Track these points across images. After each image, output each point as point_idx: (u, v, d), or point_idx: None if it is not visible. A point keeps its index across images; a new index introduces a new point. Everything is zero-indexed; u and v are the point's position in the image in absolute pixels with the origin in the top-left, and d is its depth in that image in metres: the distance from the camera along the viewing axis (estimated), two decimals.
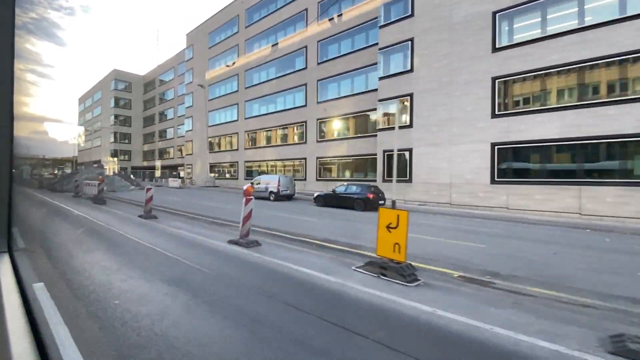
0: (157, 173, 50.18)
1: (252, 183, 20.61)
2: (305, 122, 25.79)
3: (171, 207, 13.90)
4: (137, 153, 57.58)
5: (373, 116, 21.36)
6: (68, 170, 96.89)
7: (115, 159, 53.94)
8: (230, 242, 6.83)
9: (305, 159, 25.78)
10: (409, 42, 17.50)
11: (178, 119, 47.23)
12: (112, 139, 55.38)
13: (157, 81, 53.32)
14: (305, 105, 25.91)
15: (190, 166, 40.62)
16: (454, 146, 15.74)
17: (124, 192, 24.33)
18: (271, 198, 19.12)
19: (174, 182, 32.45)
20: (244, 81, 32.08)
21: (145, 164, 56.39)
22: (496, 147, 14.53)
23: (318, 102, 24.85)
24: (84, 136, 72.03)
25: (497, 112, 14.57)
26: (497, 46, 14.68)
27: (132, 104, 56.94)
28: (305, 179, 25.47)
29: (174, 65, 48.73)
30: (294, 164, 26.99)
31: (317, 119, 24.87)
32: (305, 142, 25.81)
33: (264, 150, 29.77)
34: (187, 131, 41.37)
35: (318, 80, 24.91)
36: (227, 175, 34.47)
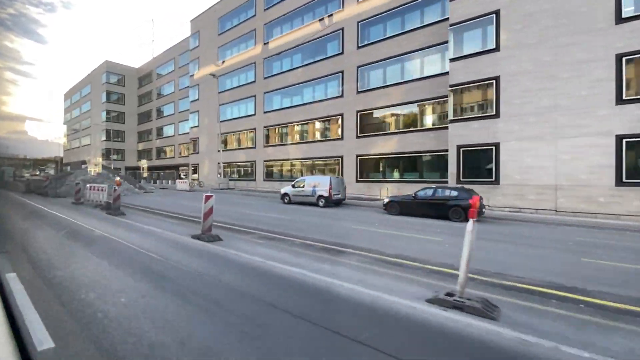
0: (144, 174, 46.06)
1: (294, 185, 17.29)
2: (342, 115, 22.56)
3: (223, 221, 10.47)
4: (131, 152, 52.98)
5: (429, 108, 18.37)
6: (51, 171, 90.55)
7: (99, 159, 49.28)
8: (442, 303, 3.54)
9: (341, 157, 22.54)
10: (493, 15, 14.53)
11: (180, 114, 43.14)
12: (103, 137, 50.62)
13: (154, 74, 48.97)
14: (341, 96, 22.67)
15: (195, 166, 36.71)
16: (560, 140, 12.84)
17: (132, 197, 20.51)
18: (320, 204, 15.85)
19: (182, 184, 28.64)
20: (263, 70, 28.58)
21: (141, 163, 51.83)
22: (624, 140, 11.70)
23: (358, 92, 21.67)
24: (67, 135, 66.59)
25: (624, 97, 11.75)
26: (622, 16, 11.86)
27: (125, 99, 52.31)
28: None
29: (174, 56, 44.59)
30: (327, 163, 23.71)
31: (357, 111, 21.69)
32: (342, 138, 22.58)
33: (287, 147, 26.36)
34: (191, 128, 37.44)
35: (358, 67, 21.72)
36: (242, 176, 30.86)
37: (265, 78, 28.42)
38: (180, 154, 43.64)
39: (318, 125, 24.55)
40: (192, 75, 37.26)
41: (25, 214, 11.92)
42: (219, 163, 33.10)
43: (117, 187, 12.16)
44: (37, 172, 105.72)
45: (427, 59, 18.75)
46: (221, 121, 32.72)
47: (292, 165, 26.22)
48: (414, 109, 19.21)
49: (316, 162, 24.46)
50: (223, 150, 30.42)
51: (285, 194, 17.56)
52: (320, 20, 23.95)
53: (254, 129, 29.42)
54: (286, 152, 26.48)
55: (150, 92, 50.21)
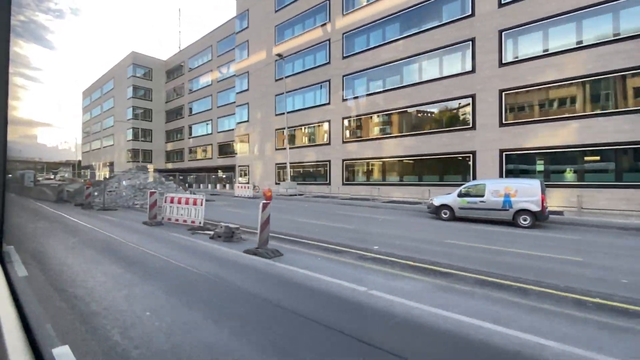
0: (187, 177, 40.81)
1: (461, 193, 11.67)
2: (473, 96, 16.91)
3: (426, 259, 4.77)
4: (158, 153, 47.96)
5: None
6: (65, 174, 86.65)
7: (126, 161, 44.26)
8: None
9: (472, 153, 16.87)
10: None
11: (220, 109, 37.88)
12: (129, 137, 45.67)
13: (186, 66, 43.92)
14: (472, 71, 17.03)
15: (244, 168, 31.30)
16: None
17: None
18: (523, 223, 10.17)
19: (243, 190, 23.23)
20: (342, 49, 23.07)
21: (169, 166, 46.77)
22: None
23: (503, 64, 16.00)
24: (86, 136, 62.07)
25: None
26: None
27: (152, 95, 47.39)
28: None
29: (210, 44, 39.45)
30: (447, 160, 18.03)
31: (501, 90, 16.00)
32: (474, 128, 16.91)
33: (379, 143, 20.77)
34: (239, 123, 32.08)
35: (501, 31, 16.06)
36: (309, 179, 25.32)
37: (345, 58, 22.89)
38: (221, 154, 38.37)
39: (432, 110, 18.90)
40: (239, 62, 31.95)
41: (102, 259, 6.48)
42: (276, 164, 27.64)
43: (265, 203, 6.57)
44: (52, 176, 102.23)
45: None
46: (278, 114, 27.31)
47: (386, 165, 20.58)
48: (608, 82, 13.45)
49: (428, 160, 18.81)
50: (287, 148, 24.89)
51: (444, 206, 11.91)
52: None
53: (328, 121, 23.88)
54: (378, 149, 20.86)
55: (181, 87, 45.17)
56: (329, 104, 23.88)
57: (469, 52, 17.21)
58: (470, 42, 17.12)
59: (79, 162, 75.68)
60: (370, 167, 21.66)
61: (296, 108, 26.12)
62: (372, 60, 21.31)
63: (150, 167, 34.37)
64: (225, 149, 37.35)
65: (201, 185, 37.05)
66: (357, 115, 22.15)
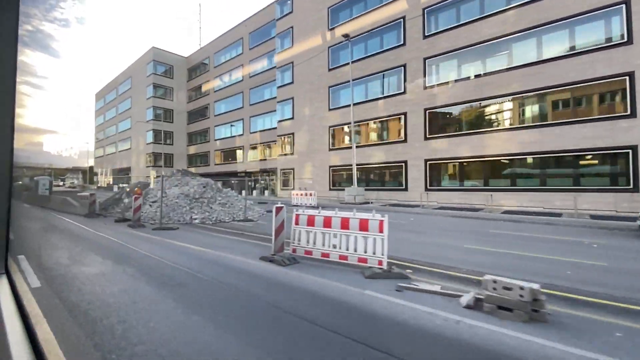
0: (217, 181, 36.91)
1: None
2: (632, 74, 12.90)
3: None
4: (179, 157, 44.27)
5: None
6: (75, 181, 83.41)
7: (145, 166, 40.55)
8: None
9: (633, 148, 12.81)
10: None
11: (253, 107, 34.10)
12: (150, 139, 42.04)
13: (212, 61, 40.36)
14: (628, 42, 13.04)
15: (289, 171, 27.36)
16: None
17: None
18: None
19: (302, 198, 19.24)
20: (423, 27, 19.22)
21: (192, 171, 42.91)
22: None
23: None
24: (98, 140, 58.68)
25: None
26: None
27: (173, 94, 43.87)
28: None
29: (241, 35, 35.87)
30: (598, 157, 13.97)
31: None
32: (633, 115, 12.87)
33: (481, 138, 16.77)
34: (280, 122, 28.24)
35: None
36: (375, 183, 21.31)
37: (427, 37, 19.02)
38: (254, 156, 34.54)
39: (562, 95, 14.90)
40: (282, 52, 28.23)
41: None
42: (331, 167, 23.69)
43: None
44: (61, 183, 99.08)
45: None
46: (333, 108, 23.47)
47: (492, 165, 16.54)
48: None
49: (556, 158, 14.76)
50: (353, 147, 20.90)
51: None
52: None
53: (403, 114, 19.93)
54: (478, 146, 16.85)
55: (205, 85, 41.59)
56: (403, 93, 19.95)
57: (618, 18, 13.25)
58: (624, 5, 13.17)
59: (90, 168, 72.37)
60: (467, 168, 17.62)
61: (357, 101, 22.21)
62: (467, 37, 17.41)
63: (175, 171, 30.46)
64: (260, 151, 33.50)
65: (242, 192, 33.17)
66: (445, 105, 18.19)
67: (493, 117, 16.83)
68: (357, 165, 21.39)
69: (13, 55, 1.14)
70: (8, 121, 1.14)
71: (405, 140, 19.78)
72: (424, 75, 19.05)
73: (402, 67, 20.03)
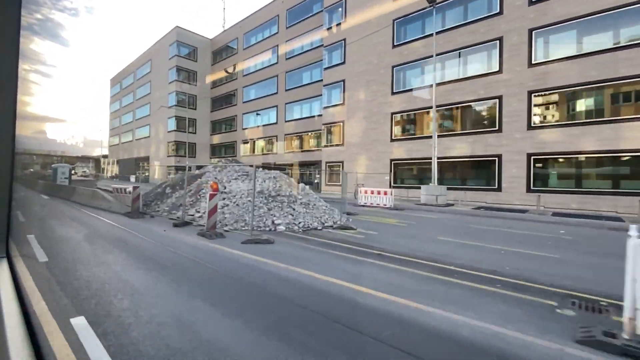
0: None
1: None
2: None
3: None
4: (202, 147, 41.22)
5: None
6: (86, 170, 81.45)
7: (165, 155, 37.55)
8: None
9: None
10: None
11: (290, 93, 30.71)
12: (172, 126, 38.98)
13: (240, 43, 36.94)
14: None
15: (337, 164, 24.06)
16: None
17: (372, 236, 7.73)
18: None
19: (374, 197, 15.92)
20: None
21: (215, 162, 39.93)
22: None
23: None
24: (113, 128, 55.92)
25: None
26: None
27: (197, 78, 40.64)
28: None
29: (277, 13, 32.34)
30: None
31: None
32: None
33: (614, 127, 13.24)
34: (326, 108, 24.86)
35: None
36: (454, 180, 17.91)
37: (533, 3, 15.39)
38: (291, 147, 31.32)
39: None
40: (331, 29, 24.71)
41: None
42: (392, 160, 20.32)
43: None
44: (73, 172, 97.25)
45: None
46: (399, 91, 20.03)
47: (636, 161, 13.04)
48: None
49: None
50: (434, 136, 17.46)
51: None
52: None
53: (497, 97, 16.42)
54: (610, 138, 13.33)
55: (232, 69, 38.26)
56: (498, 72, 16.41)
57: None
58: None
59: (103, 156, 69.98)
60: (589, 166, 14.12)
61: (429, 83, 18.71)
62: (592, 1, 13.77)
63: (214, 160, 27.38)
64: (298, 142, 30.23)
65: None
66: (559, 88, 14.63)
67: (631, 101, 13.26)
68: (427, 159, 17.98)
69: (15, 43, 1.14)
70: (10, 109, 1.15)
71: (499, 130, 16.30)
72: (530, 51, 15.46)
73: (497, 41, 16.45)
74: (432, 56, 18.41)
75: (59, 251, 6.01)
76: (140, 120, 47.01)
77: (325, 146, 24.87)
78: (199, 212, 10.22)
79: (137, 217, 10.35)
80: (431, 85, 17.41)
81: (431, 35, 18.60)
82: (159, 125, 41.75)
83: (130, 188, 11.40)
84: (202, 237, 7.44)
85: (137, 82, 48.45)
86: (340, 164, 23.55)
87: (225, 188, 11.42)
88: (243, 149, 36.38)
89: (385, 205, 15.29)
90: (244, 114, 36.35)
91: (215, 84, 41.18)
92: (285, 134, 31.09)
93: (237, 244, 6.87)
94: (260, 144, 34.42)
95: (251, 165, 10.65)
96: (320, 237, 7.99)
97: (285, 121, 31.06)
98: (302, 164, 29.25)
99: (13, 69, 1.14)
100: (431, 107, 18.35)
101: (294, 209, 9.90)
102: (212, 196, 7.73)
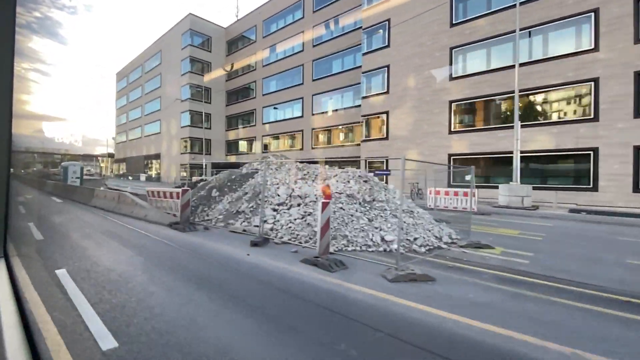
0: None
1: None
2: None
3: None
4: (218, 144, 38.75)
5: None
6: (91, 169, 79.43)
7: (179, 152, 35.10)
8: None
9: None
10: None
11: (317, 83, 28.13)
12: (186, 121, 36.48)
13: (259, 30, 34.31)
14: None
15: (379, 160, 21.55)
16: None
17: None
18: None
19: (454, 199, 13.43)
20: None
21: (233, 159, 37.56)
22: None
23: None
24: (119, 125, 53.44)
25: None
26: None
27: (211, 69, 38.05)
28: None
29: None
30: None
31: None
32: None
33: None
34: (365, 98, 22.33)
35: None
36: (533, 179, 15.39)
37: None
38: (319, 142, 28.86)
39: None
40: (371, 7, 22.10)
41: None
42: (451, 155, 17.84)
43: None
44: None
45: None
46: (460, 77, 17.51)
47: None
48: None
49: None
50: (517, 126, 14.95)
51: None
52: None
53: (592, 80, 13.87)
54: None
55: (249, 59, 35.68)
56: (593, 50, 13.85)
57: None
58: None
59: (109, 154, 67.58)
60: None
61: (503, 65, 16.16)
62: None
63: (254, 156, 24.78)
64: (327, 136, 27.74)
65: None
66: None
67: None
68: (497, 153, 15.46)
69: (10, 40, 1.12)
70: (5, 109, 1.13)
71: (594, 119, 13.76)
72: (637, 24, 12.89)
73: (592, 13, 13.87)
74: (500, 35, 15.87)
75: (124, 311, 3.51)
76: (150, 115, 44.49)
77: (365, 140, 22.35)
78: (268, 222, 7.78)
79: (190, 230, 7.91)
80: (512, 67, 14.80)
81: (498, 11, 16.05)
82: (170, 121, 39.22)
83: (175, 192, 8.94)
84: (314, 268, 5.00)
85: (146, 76, 45.87)
86: (384, 160, 21.04)
87: (293, 191, 8.98)
88: (262, 145, 33.86)
89: (465, 208, 12.81)
90: (263, 107, 33.80)
91: (230, 76, 38.60)
92: (313, 128, 28.56)
93: (376, 280, 4.47)
94: (283, 139, 31.90)
95: (331, 160, 8.10)
96: (464, 262, 5.59)
97: (313, 114, 28.53)
98: (333, 161, 26.75)
99: (8, 67, 1.13)
100: (504, 93, 15.81)
101: (401, 220, 7.44)
102: (324, 206, 5.25)
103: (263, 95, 33.83)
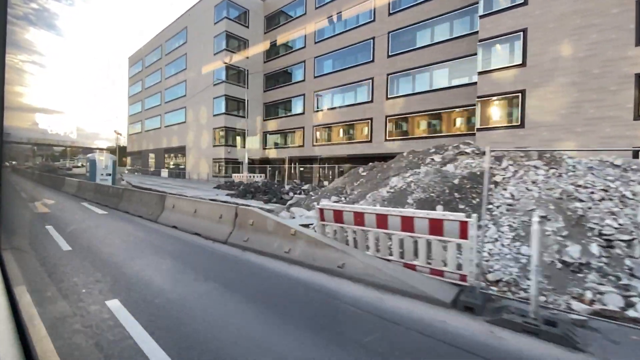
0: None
1: None
2: None
3: None
4: (254, 134, 33.47)
5: None
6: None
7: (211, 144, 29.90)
8: None
9: None
10: None
11: (396, 59, 22.81)
12: (221, 108, 31.15)
13: (310, 0, 28.89)
14: None
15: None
16: None
17: None
18: None
19: None
20: None
21: (271, 154, 32.37)
22: None
23: None
24: (132, 114, 48.02)
25: None
26: None
27: (249, 47, 32.62)
28: None
29: None
30: None
31: None
32: None
33: None
34: (482, 73, 17.09)
35: None
36: None
37: None
38: (397, 133, 23.72)
39: None
40: None
41: None
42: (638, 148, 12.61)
43: None
44: (80, 164, 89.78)
45: None
46: None
47: None
48: None
49: None
50: None
51: None
52: None
53: None
54: None
55: (291, 34, 30.33)
56: None
57: None
58: None
59: (118, 147, 62.08)
60: None
61: None
62: None
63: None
64: (409, 124, 22.55)
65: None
66: None
67: None
68: None
69: (2, 32, 1.07)
70: None
71: None
72: None
73: None
74: None
75: None
76: (172, 102, 39.05)
77: (483, 129, 17.16)
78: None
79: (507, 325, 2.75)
80: None
81: None
82: (199, 108, 33.84)
83: (446, 219, 3.75)
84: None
85: (167, 58, 40.33)
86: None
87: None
88: (312, 138, 28.61)
89: None
90: (316, 92, 28.49)
91: (269, 57, 33.22)
92: (388, 116, 23.33)
93: None
94: (343, 130, 26.68)
95: None
96: None
97: (388, 98, 23.27)
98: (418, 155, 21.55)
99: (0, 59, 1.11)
100: None
101: None
102: None
103: (315, 77, 28.50)
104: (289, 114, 31.23)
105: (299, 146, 29.74)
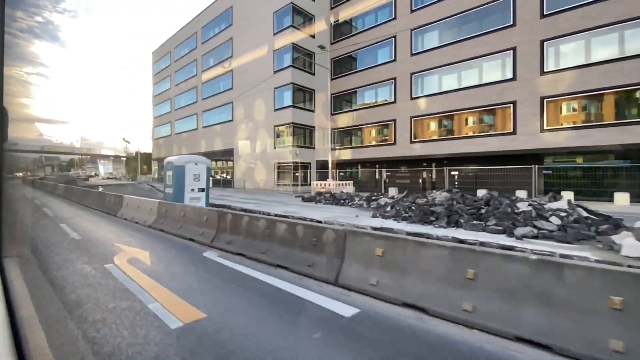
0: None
1: None
2: None
3: None
4: (321, 133, 27.28)
5: None
6: (110, 172, 68.77)
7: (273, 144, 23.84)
8: None
9: None
10: None
11: (549, 20, 16.51)
12: (289, 100, 25.00)
13: None
14: None
15: None
16: None
17: None
18: None
19: None
20: None
21: (343, 155, 26.15)
22: None
23: None
24: (157, 117, 42.13)
25: None
26: None
27: (314, 27, 26.56)
28: None
29: None
30: None
31: None
32: None
33: None
34: None
35: None
36: None
37: None
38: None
39: None
40: None
41: None
42: None
43: None
44: (93, 174, 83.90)
45: None
46: None
47: None
48: None
49: None
50: None
51: None
52: None
53: None
54: None
55: (371, 5, 24.23)
56: None
57: None
58: None
59: (141, 155, 56.32)
60: None
61: None
62: None
63: None
64: (576, 108, 16.20)
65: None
66: None
67: None
68: None
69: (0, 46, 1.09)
70: None
71: None
72: None
73: None
74: None
75: None
76: (213, 98, 33.00)
77: None
78: None
79: None
80: None
81: None
82: (253, 102, 27.73)
83: None
84: None
85: (205, 46, 34.37)
86: None
87: None
88: (405, 134, 22.30)
89: None
90: (413, 73, 22.25)
91: (338, 36, 27.15)
92: (545, 97, 16.98)
93: None
94: (465, 120, 20.36)
95: None
96: None
97: (544, 72, 16.94)
98: (548, 154, 15.21)
99: None
100: None
101: None
102: None
103: (412, 54, 22.26)
104: (371, 104, 24.99)
105: (383, 144, 23.49)
